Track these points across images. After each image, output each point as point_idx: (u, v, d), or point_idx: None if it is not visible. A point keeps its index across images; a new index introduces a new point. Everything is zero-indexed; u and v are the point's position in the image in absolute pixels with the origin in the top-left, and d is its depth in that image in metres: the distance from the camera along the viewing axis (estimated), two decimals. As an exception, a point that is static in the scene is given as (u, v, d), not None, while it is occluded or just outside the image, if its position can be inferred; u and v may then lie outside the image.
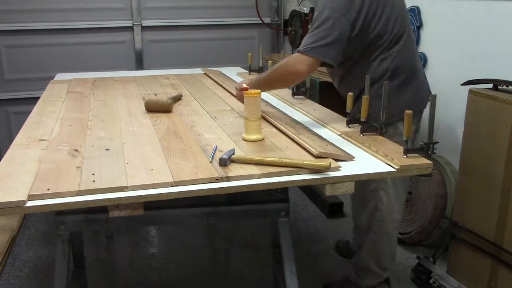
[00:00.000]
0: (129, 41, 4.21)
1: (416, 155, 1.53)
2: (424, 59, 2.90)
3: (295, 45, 4.37)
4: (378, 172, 1.47)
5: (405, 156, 1.52)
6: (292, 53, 4.49)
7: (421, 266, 2.44)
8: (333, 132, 1.83)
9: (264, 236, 2.89)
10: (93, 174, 1.40)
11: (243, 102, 1.74)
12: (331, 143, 1.65)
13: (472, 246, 2.27)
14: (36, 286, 2.49)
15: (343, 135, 1.78)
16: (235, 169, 1.42)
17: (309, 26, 1.94)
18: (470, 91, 2.22)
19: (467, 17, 2.58)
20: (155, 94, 2.46)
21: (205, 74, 3.08)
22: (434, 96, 1.50)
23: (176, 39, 4.32)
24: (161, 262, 2.71)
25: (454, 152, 2.60)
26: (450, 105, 2.65)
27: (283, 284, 1.70)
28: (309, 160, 1.45)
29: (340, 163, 1.48)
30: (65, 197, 1.27)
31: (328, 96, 3.33)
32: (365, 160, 1.55)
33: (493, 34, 2.42)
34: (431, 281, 2.37)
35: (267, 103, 2.19)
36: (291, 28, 4.35)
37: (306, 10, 4.13)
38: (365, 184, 2.06)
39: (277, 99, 2.35)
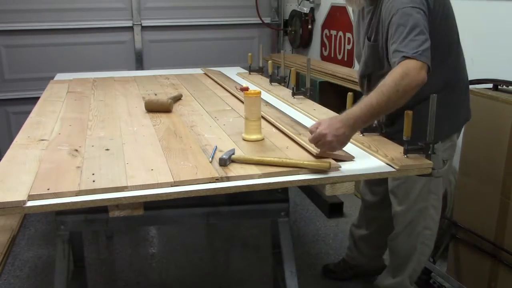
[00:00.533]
0: (129, 41, 4.21)
1: (416, 155, 1.53)
2: (424, 59, 2.89)
3: (295, 45, 4.38)
4: (378, 172, 1.47)
5: (405, 156, 1.52)
6: (292, 52, 4.52)
7: (421, 266, 2.44)
8: (333, 132, 1.83)
9: (264, 236, 2.89)
10: (93, 174, 1.40)
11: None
12: None
13: (472, 246, 2.27)
14: (36, 286, 2.49)
15: (343, 135, 1.77)
16: (235, 169, 1.42)
17: (393, 30, 1.64)
18: (470, 91, 2.22)
19: (467, 17, 2.58)
20: (155, 94, 2.46)
21: (205, 74, 3.08)
22: (434, 96, 1.50)
23: (176, 39, 4.32)
24: (161, 262, 2.71)
25: (454, 152, 2.60)
26: (450, 105, 2.65)
27: (283, 284, 1.69)
28: (309, 160, 1.46)
29: (340, 163, 1.48)
30: (65, 197, 1.27)
31: (328, 96, 3.33)
32: (365, 160, 1.54)
33: (493, 34, 2.42)
34: (431, 281, 2.37)
35: (267, 103, 2.19)
36: (291, 28, 4.35)
37: (306, 10, 4.13)
38: (408, 205, 1.97)
39: (277, 99, 2.35)
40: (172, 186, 1.33)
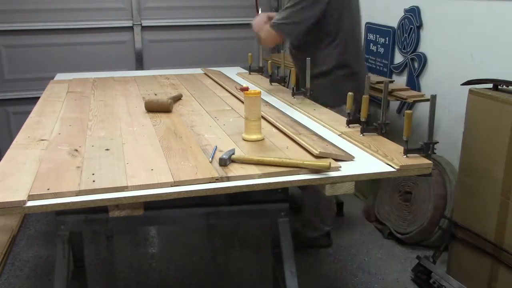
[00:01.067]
0: (129, 41, 4.21)
1: (416, 155, 1.53)
2: (424, 59, 2.90)
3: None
4: (378, 172, 1.47)
5: (405, 156, 1.52)
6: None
7: (421, 266, 2.44)
8: (333, 132, 1.83)
9: (264, 236, 2.89)
10: (93, 174, 1.40)
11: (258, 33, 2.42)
12: (331, 143, 1.65)
13: (472, 246, 2.27)
14: (36, 286, 2.49)
15: (343, 135, 1.78)
16: (235, 169, 1.42)
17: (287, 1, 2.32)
18: (470, 91, 2.22)
19: (467, 17, 2.58)
20: (155, 94, 2.46)
21: (205, 74, 3.08)
22: (434, 96, 1.50)
23: (176, 39, 4.32)
24: (161, 262, 2.71)
25: (454, 152, 2.60)
26: (450, 105, 2.65)
27: (283, 284, 1.70)
28: (309, 160, 1.46)
29: (340, 163, 1.48)
30: (65, 197, 1.27)
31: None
32: (365, 160, 1.55)
33: (493, 34, 2.42)
34: (431, 281, 2.37)
35: (267, 103, 2.19)
36: (291, 28, 4.35)
37: (306, 10, 4.12)
38: None
39: (277, 99, 2.35)
40: (172, 186, 1.33)
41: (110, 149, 1.62)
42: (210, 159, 1.50)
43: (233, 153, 1.50)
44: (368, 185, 3.32)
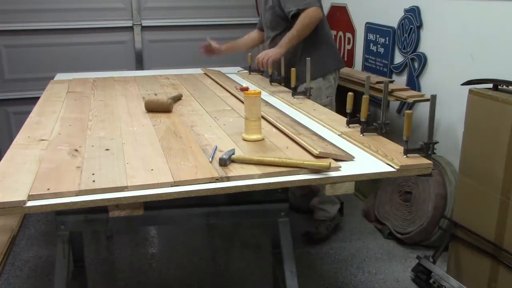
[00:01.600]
0: (129, 41, 4.21)
1: (416, 155, 1.53)
2: (424, 59, 2.90)
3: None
4: (378, 172, 1.47)
5: (405, 156, 1.52)
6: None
7: (421, 266, 2.44)
8: (333, 132, 1.83)
9: (264, 236, 2.89)
10: (93, 174, 1.40)
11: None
12: (331, 143, 1.65)
13: (472, 246, 2.27)
14: (36, 286, 2.49)
15: (343, 135, 1.78)
16: (235, 169, 1.42)
17: None
18: (470, 91, 2.22)
19: (467, 17, 2.58)
20: (155, 94, 2.46)
21: (205, 74, 3.08)
22: (434, 96, 1.50)
23: (176, 39, 4.32)
24: (161, 262, 2.71)
25: (454, 152, 2.60)
26: (450, 105, 2.65)
27: (283, 284, 1.70)
28: (309, 160, 1.46)
29: (340, 163, 1.48)
30: (65, 197, 1.27)
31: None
32: (365, 160, 1.54)
33: (493, 34, 2.42)
34: (431, 281, 2.37)
35: (267, 103, 2.19)
36: (291, 28, 4.35)
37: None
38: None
39: (277, 99, 2.35)
40: (172, 186, 1.33)
41: (110, 149, 1.62)
42: (210, 159, 1.50)
43: (233, 153, 1.50)
44: (368, 185, 3.32)
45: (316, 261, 2.71)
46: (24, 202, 1.24)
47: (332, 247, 2.84)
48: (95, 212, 1.44)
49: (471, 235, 2.26)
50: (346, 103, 1.87)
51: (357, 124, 1.81)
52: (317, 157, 1.51)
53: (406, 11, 3.02)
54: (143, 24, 4.19)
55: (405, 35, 3.04)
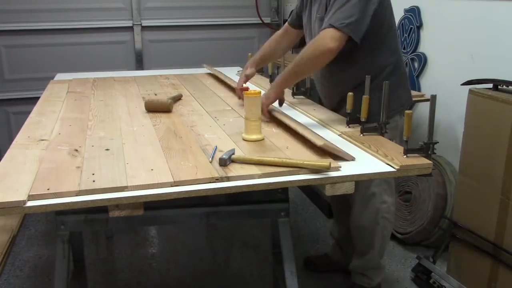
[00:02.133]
0: (129, 41, 4.21)
1: (416, 155, 1.53)
2: (424, 59, 2.90)
3: (295, 45, 4.36)
4: (378, 172, 1.47)
5: (405, 156, 1.52)
6: (292, 52, 4.52)
7: (421, 266, 2.45)
8: (333, 132, 1.83)
9: (264, 236, 2.89)
10: (93, 174, 1.40)
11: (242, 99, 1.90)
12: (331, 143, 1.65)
13: (472, 246, 2.27)
14: (36, 286, 2.49)
15: (343, 135, 1.78)
16: (235, 169, 1.42)
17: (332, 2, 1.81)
18: (470, 91, 2.22)
19: (467, 17, 2.58)
20: (155, 94, 2.46)
21: (208, 73, 3.07)
22: (434, 96, 1.50)
23: (176, 39, 4.32)
24: (161, 262, 2.71)
25: (454, 152, 2.60)
26: (450, 105, 2.65)
27: (283, 284, 1.69)
28: (309, 160, 1.45)
29: (340, 163, 1.48)
30: (65, 197, 1.27)
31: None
32: (365, 160, 1.54)
33: (493, 34, 2.42)
34: (431, 281, 2.38)
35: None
36: (291, 28, 4.35)
37: (306, 10, 4.12)
38: (364, 185, 2.09)
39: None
40: (172, 186, 1.33)
41: (110, 149, 1.62)
42: (210, 159, 1.50)
43: (233, 153, 1.50)
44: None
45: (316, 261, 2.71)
46: (24, 202, 1.24)
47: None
48: (95, 212, 1.44)
49: (471, 235, 2.26)
50: (346, 103, 1.87)
51: (357, 124, 1.81)
52: (320, 152, 1.51)
53: (406, 11, 3.02)
54: (143, 24, 4.19)
55: (405, 35, 3.04)
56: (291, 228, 1.68)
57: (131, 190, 1.31)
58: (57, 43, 4.03)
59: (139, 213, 1.34)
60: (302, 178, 1.41)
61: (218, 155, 1.49)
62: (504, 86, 2.17)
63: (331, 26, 1.72)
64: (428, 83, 2.90)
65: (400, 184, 2.90)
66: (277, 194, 1.61)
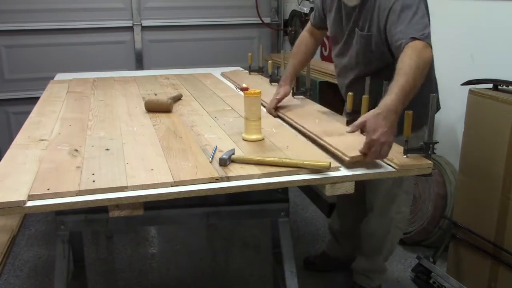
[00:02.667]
0: (129, 41, 4.21)
1: (416, 155, 1.53)
2: (424, 59, 2.89)
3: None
4: (378, 172, 1.47)
5: (405, 156, 1.52)
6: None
7: (421, 266, 2.44)
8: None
9: (264, 236, 2.89)
10: (93, 174, 1.40)
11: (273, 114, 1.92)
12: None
13: (472, 246, 2.26)
14: (36, 286, 2.49)
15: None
16: (235, 169, 1.42)
17: (395, 16, 1.70)
18: (470, 91, 2.22)
19: (467, 17, 2.58)
20: (155, 94, 2.46)
21: (223, 75, 3.05)
22: (434, 96, 1.50)
23: (176, 39, 4.32)
24: (161, 262, 2.71)
25: (454, 152, 2.60)
26: (450, 105, 2.65)
27: (283, 284, 1.70)
28: (309, 160, 1.45)
29: (339, 163, 1.48)
30: (65, 197, 1.27)
31: (328, 96, 3.33)
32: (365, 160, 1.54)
33: (493, 34, 2.42)
34: (431, 281, 2.37)
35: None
36: (291, 28, 4.35)
37: (306, 10, 4.12)
38: (385, 193, 2.10)
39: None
40: (172, 186, 1.33)
41: (110, 149, 1.62)
42: (210, 159, 1.50)
43: (233, 153, 1.50)
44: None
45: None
46: (24, 202, 1.24)
47: (332, 247, 2.84)
48: (95, 212, 1.45)
49: (471, 235, 2.26)
50: (346, 103, 1.87)
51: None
52: (319, 152, 1.52)
53: (406, 11, 3.02)
54: (143, 24, 4.19)
55: (405, 35, 3.03)
56: (291, 228, 1.68)
57: (131, 190, 1.31)
58: (57, 43, 4.03)
59: (139, 213, 1.34)
60: (302, 178, 1.41)
61: (218, 155, 1.49)
62: (504, 86, 2.17)
63: (415, 38, 1.61)
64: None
65: (400, 184, 2.90)
66: (277, 194, 1.62)
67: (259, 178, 1.39)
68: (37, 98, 2.39)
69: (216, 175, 1.38)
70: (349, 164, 1.46)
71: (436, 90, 2.00)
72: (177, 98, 2.34)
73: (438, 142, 1.54)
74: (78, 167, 1.46)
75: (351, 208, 2.38)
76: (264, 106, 2.12)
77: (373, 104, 1.64)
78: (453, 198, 2.54)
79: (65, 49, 4.05)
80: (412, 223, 2.75)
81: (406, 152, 1.52)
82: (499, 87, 2.18)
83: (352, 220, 2.39)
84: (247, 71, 3.04)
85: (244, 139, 1.70)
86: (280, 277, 1.76)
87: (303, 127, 1.82)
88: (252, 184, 1.37)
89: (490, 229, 2.15)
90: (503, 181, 2.07)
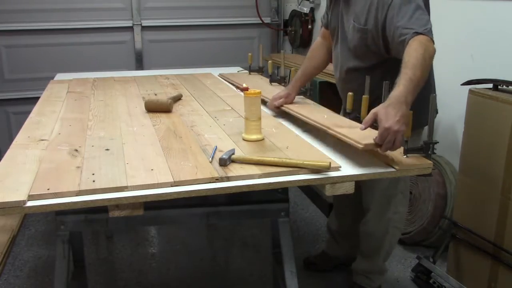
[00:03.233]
0: (129, 41, 4.21)
1: (416, 155, 1.53)
2: (424, 59, 2.89)
3: (295, 45, 4.38)
4: (378, 172, 1.47)
5: (405, 156, 1.52)
6: (292, 52, 4.52)
7: (421, 266, 2.44)
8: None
9: (264, 236, 2.89)
10: (93, 174, 1.40)
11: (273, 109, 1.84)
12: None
13: (472, 246, 2.26)
14: (36, 286, 2.49)
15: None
16: (235, 169, 1.42)
17: (395, 11, 1.70)
18: (470, 91, 2.22)
19: (467, 17, 2.58)
20: (155, 94, 2.46)
21: (221, 76, 3.06)
22: (434, 96, 1.50)
23: (176, 39, 4.32)
24: (161, 262, 2.71)
25: (454, 152, 2.60)
26: (450, 105, 2.65)
27: (283, 284, 1.70)
28: (309, 160, 1.45)
29: (340, 163, 1.48)
30: (65, 197, 1.27)
31: (328, 96, 3.33)
32: (365, 160, 1.54)
33: (493, 34, 2.42)
34: (431, 281, 2.37)
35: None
36: (291, 28, 4.35)
37: (306, 10, 4.13)
38: (382, 194, 2.11)
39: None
40: (172, 186, 1.33)
41: (110, 149, 1.62)
42: (210, 159, 1.50)
43: (233, 153, 1.50)
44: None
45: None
46: (24, 202, 1.24)
47: (332, 247, 2.84)
48: (95, 212, 1.45)
49: (471, 235, 2.26)
50: (347, 102, 1.87)
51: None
52: (319, 152, 1.52)
53: (406, 11, 3.02)
54: (143, 24, 4.19)
55: (405, 35, 3.04)
56: (291, 228, 1.68)
57: (131, 190, 1.31)
58: (57, 43, 4.03)
59: (139, 213, 1.34)
60: (302, 178, 1.41)
61: (218, 155, 1.49)
62: (504, 86, 2.17)
63: (419, 33, 1.62)
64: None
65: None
66: (277, 194, 1.61)
67: (259, 178, 1.39)
68: (37, 98, 2.39)
69: (216, 175, 1.38)
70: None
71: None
72: (177, 98, 2.34)
73: (438, 142, 1.53)
74: (78, 167, 1.46)
75: (348, 208, 2.39)
76: (265, 102, 2.13)
77: (370, 102, 1.71)
78: (453, 198, 2.54)
79: (65, 49, 4.05)
80: (412, 223, 2.75)
81: (406, 152, 1.52)
82: (499, 87, 2.18)
83: (350, 220, 2.40)
84: (247, 71, 3.04)
85: (244, 139, 1.70)
86: (280, 277, 1.76)
87: (312, 120, 1.81)
88: (252, 184, 1.37)
89: (490, 229, 2.15)
90: (503, 181, 2.07)
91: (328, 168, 1.41)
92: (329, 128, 1.67)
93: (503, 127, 2.04)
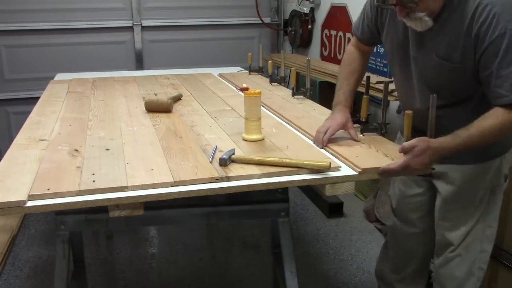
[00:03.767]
0: (129, 41, 4.21)
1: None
2: (424, 59, 2.89)
3: (295, 45, 4.38)
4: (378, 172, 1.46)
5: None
6: (292, 52, 4.51)
7: (421, 266, 2.44)
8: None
9: (264, 236, 2.89)
10: (93, 174, 1.40)
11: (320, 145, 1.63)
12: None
13: (472, 246, 2.26)
14: (36, 286, 2.49)
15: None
16: (235, 169, 1.42)
17: (499, 57, 1.42)
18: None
19: (467, 17, 2.57)
20: (155, 94, 2.46)
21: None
22: (434, 97, 1.50)
23: (176, 39, 4.32)
24: (161, 262, 2.71)
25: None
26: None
27: (283, 284, 1.70)
28: (309, 160, 1.45)
29: (340, 163, 1.48)
30: (65, 197, 1.27)
31: (328, 96, 3.33)
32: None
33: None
34: (431, 281, 2.37)
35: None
36: (291, 28, 4.35)
37: (306, 10, 4.13)
38: (466, 229, 1.77)
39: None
40: (172, 186, 1.33)
41: (110, 149, 1.62)
42: (210, 159, 1.50)
43: (233, 153, 1.50)
44: (368, 185, 3.32)
45: (316, 261, 2.71)
46: (24, 202, 1.24)
47: (332, 247, 2.84)
48: (95, 212, 1.44)
49: (471, 235, 2.26)
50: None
51: (357, 124, 1.81)
52: (319, 152, 1.52)
53: (406, 11, 3.01)
54: (143, 24, 4.19)
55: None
56: (291, 228, 1.68)
57: (131, 190, 1.31)
58: (57, 43, 4.03)
59: (139, 213, 1.34)
60: (302, 178, 1.41)
61: (218, 155, 1.49)
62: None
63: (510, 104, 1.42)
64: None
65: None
66: (277, 194, 1.61)
67: (259, 178, 1.39)
68: (37, 98, 2.39)
69: (216, 175, 1.38)
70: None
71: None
72: (177, 98, 2.34)
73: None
74: (78, 167, 1.46)
75: (420, 248, 1.98)
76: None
77: (439, 130, 1.48)
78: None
79: (65, 49, 4.05)
80: (412, 223, 2.75)
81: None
82: (499, 87, 2.17)
83: (420, 260, 2.01)
84: (247, 71, 3.04)
85: (244, 139, 1.70)
86: (280, 277, 1.76)
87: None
88: (252, 184, 1.37)
89: (490, 229, 2.15)
90: (503, 181, 2.06)
91: (328, 168, 1.41)
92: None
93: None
